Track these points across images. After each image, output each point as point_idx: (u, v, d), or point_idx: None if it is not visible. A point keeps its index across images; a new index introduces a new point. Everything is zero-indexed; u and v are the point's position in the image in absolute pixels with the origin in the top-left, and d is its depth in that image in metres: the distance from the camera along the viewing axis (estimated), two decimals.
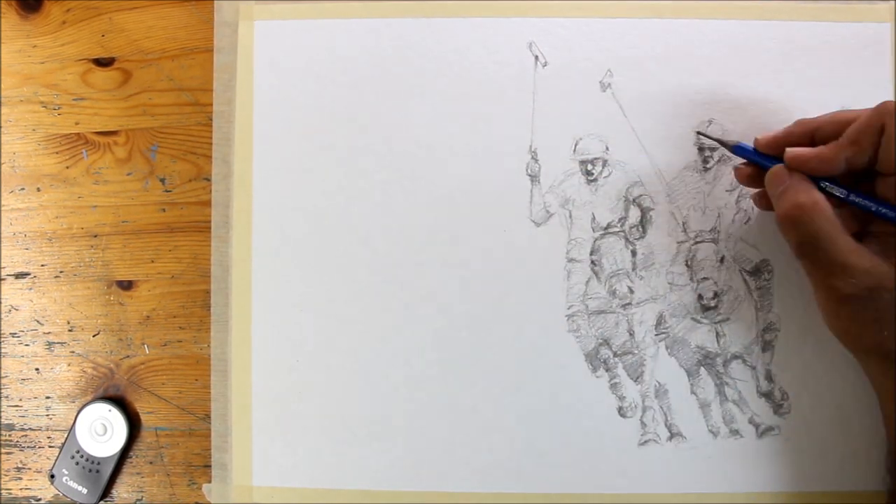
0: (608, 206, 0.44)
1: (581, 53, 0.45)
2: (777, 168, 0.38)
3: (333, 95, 0.45)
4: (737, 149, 0.41)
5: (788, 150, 0.38)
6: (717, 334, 0.44)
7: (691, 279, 0.44)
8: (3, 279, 0.48)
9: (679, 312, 0.44)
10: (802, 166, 0.37)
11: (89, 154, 0.47)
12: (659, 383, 0.44)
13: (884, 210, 0.37)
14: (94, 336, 0.47)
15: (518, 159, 0.44)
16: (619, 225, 0.44)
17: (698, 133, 0.44)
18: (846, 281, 0.35)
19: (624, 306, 0.44)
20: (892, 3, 0.44)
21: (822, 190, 0.37)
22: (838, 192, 0.38)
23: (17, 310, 0.47)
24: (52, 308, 0.47)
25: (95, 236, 0.47)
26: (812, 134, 0.39)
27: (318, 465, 0.44)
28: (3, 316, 0.47)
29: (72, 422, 0.46)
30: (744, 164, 0.41)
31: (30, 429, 0.47)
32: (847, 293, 0.35)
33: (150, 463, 0.46)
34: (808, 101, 0.44)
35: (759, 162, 0.40)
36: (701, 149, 0.44)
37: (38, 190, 0.47)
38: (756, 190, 0.42)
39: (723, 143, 0.42)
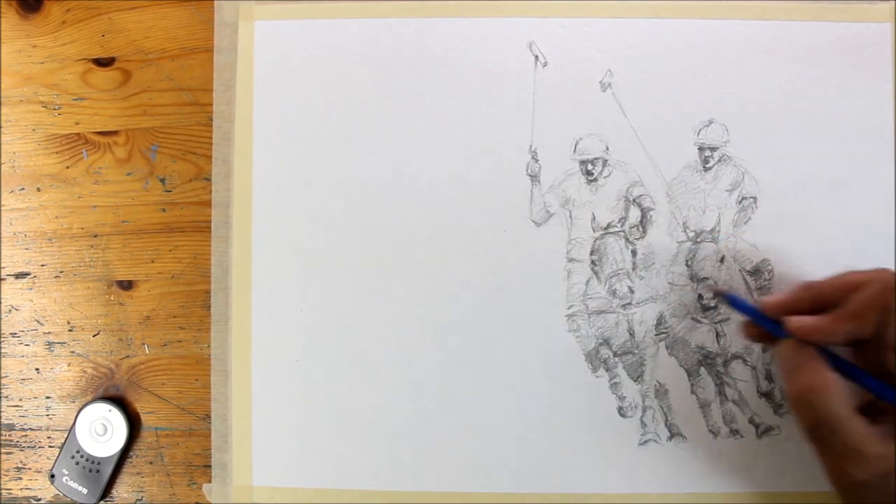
0: (608, 206, 0.44)
1: (581, 53, 0.45)
2: (788, 344, 0.37)
3: (333, 95, 0.45)
4: (728, 298, 0.41)
5: (791, 319, 0.37)
6: (717, 334, 0.44)
7: (691, 279, 0.44)
8: (3, 279, 0.48)
9: (679, 312, 0.44)
10: (806, 338, 0.37)
11: (89, 154, 0.47)
12: (659, 383, 0.44)
13: (887, 394, 0.36)
14: (94, 336, 0.47)
15: (518, 159, 0.44)
16: (619, 225, 0.44)
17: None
18: (859, 468, 0.34)
19: (624, 306, 0.44)
20: (892, 3, 0.44)
21: (834, 364, 0.36)
22: (849, 371, 0.37)
23: (17, 310, 0.47)
24: (52, 308, 0.47)
25: (95, 236, 0.47)
26: (817, 298, 0.38)
27: (318, 465, 0.44)
28: (3, 316, 0.47)
29: (72, 422, 0.46)
30: (748, 322, 0.41)
31: (30, 429, 0.47)
32: (859, 479, 0.34)
33: (150, 463, 0.46)
34: (808, 101, 0.44)
35: (760, 323, 0.40)
36: (701, 149, 0.44)
37: (38, 190, 0.47)
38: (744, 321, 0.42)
39: (716, 294, 0.43)
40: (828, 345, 0.37)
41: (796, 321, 0.37)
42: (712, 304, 0.44)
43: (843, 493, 0.36)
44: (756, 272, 0.44)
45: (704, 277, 0.44)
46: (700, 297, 0.44)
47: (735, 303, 0.41)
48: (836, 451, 0.35)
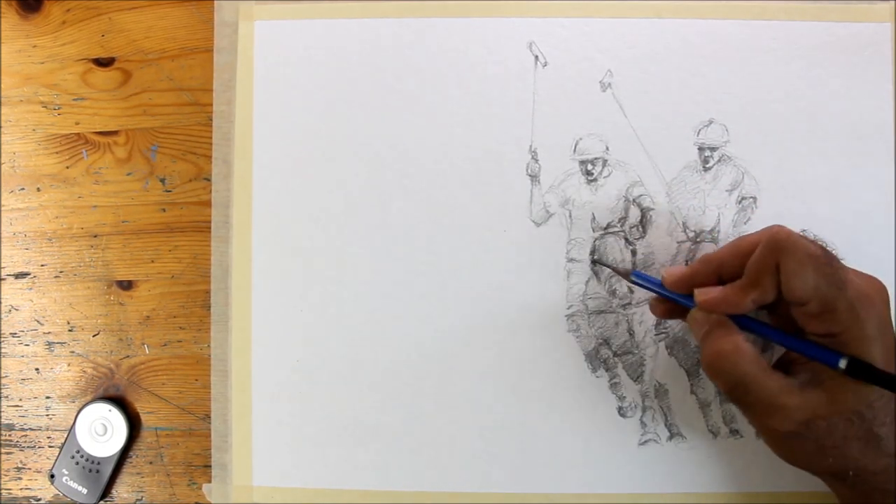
0: (608, 206, 0.44)
1: (581, 53, 0.45)
2: (695, 312, 0.38)
3: (333, 95, 0.45)
4: (635, 275, 0.41)
5: (697, 292, 0.37)
6: None
7: None
8: (3, 279, 0.48)
9: None
10: (713, 310, 0.37)
11: (89, 154, 0.47)
12: (659, 383, 0.44)
13: (801, 347, 0.36)
14: (94, 336, 0.47)
15: (518, 159, 0.44)
16: (619, 225, 0.44)
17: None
18: (781, 420, 0.34)
19: (624, 306, 0.44)
20: (892, 3, 0.44)
21: (744, 325, 0.37)
22: (758, 328, 0.37)
23: (17, 310, 0.47)
24: (52, 308, 0.47)
25: (95, 236, 0.47)
26: (717, 270, 0.38)
27: (318, 465, 0.44)
28: (3, 316, 0.47)
29: (72, 422, 0.46)
30: (656, 300, 0.41)
31: (30, 429, 0.47)
32: (785, 430, 0.35)
33: (150, 463, 0.46)
34: (808, 101, 0.44)
35: (670, 297, 0.39)
36: (701, 149, 0.44)
37: (38, 190, 0.47)
38: (653, 298, 0.41)
39: (617, 272, 0.42)
40: (735, 314, 0.37)
41: (702, 294, 0.37)
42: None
43: (775, 448, 0.37)
44: None
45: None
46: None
47: (641, 279, 0.41)
48: (756, 408, 0.35)
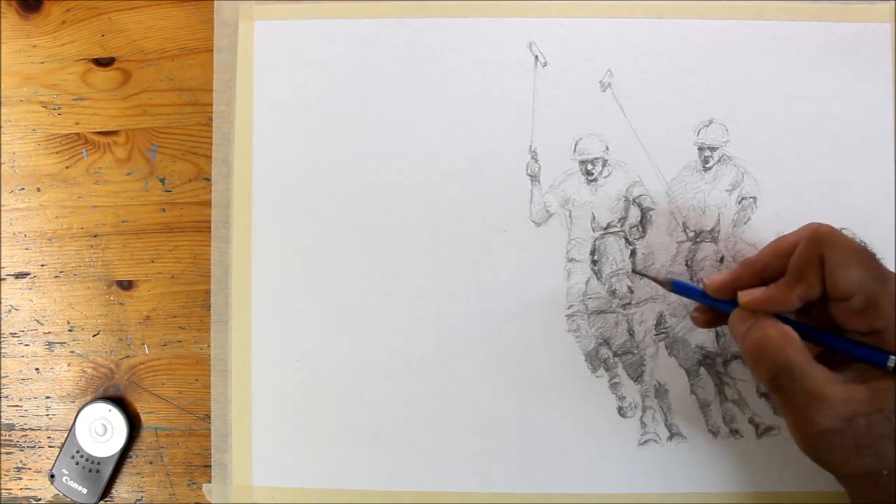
0: (608, 206, 0.44)
1: (581, 53, 0.45)
2: (738, 311, 0.37)
3: (333, 95, 0.45)
4: (675, 284, 0.41)
5: (741, 293, 0.37)
6: (717, 334, 0.44)
7: (691, 279, 0.44)
8: (3, 279, 0.48)
9: (679, 312, 0.44)
10: (760, 309, 0.36)
11: (89, 154, 0.47)
12: (659, 383, 0.44)
13: (848, 348, 0.36)
14: (94, 336, 0.47)
15: (518, 159, 0.44)
16: (619, 225, 0.44)
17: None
18: (823, 413, 0.34)
19: (624, 306, 0.44)
20: (892, 3, 0.44)
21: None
22: (804, 331, 0.36)
23: (17, 310, 0.47)
24: (52, 308, 0.47)
25: (95, 236, 0.47)
26: (760, 273, 0.37)
27: (318, 465, 0.44)
28: (3, 316, 0.47)
29: (72, 422, 0.46)
30: (697, 310, 0.41)
31: (30, 429, 0.47)
32: (826, 426, 0.34)
33: (150, 463, 0.46)
34: (808, 101, 0.44)
35: (711, 304, 0.39)
36: (701, 149, 0.44)
37: (38, 190, 0.47)
38: (694, 310, 0.41)
39: (658, 281, 0.42)
40: (782, 312, 0.36)
41: (747, 294, 0.37)
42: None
43: (809, 445, 0.35)
44: None
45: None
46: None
47: (681, 288, 0.41)
48: (798, 399, 0.35)
